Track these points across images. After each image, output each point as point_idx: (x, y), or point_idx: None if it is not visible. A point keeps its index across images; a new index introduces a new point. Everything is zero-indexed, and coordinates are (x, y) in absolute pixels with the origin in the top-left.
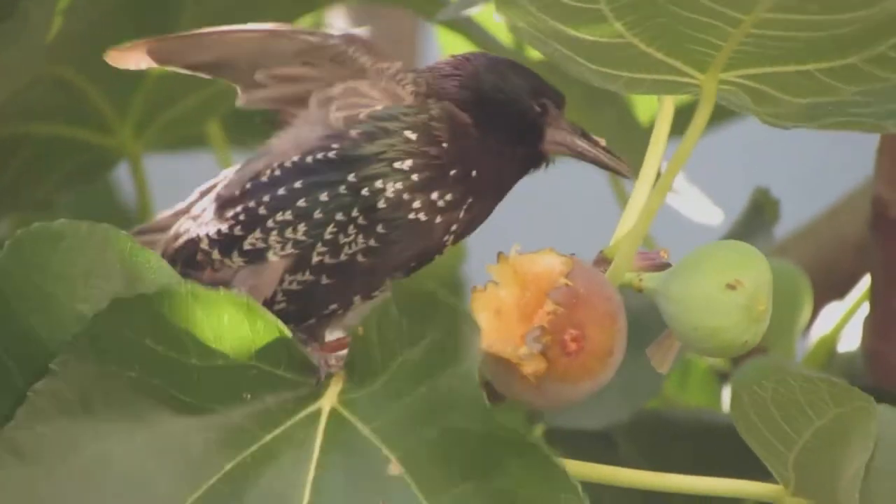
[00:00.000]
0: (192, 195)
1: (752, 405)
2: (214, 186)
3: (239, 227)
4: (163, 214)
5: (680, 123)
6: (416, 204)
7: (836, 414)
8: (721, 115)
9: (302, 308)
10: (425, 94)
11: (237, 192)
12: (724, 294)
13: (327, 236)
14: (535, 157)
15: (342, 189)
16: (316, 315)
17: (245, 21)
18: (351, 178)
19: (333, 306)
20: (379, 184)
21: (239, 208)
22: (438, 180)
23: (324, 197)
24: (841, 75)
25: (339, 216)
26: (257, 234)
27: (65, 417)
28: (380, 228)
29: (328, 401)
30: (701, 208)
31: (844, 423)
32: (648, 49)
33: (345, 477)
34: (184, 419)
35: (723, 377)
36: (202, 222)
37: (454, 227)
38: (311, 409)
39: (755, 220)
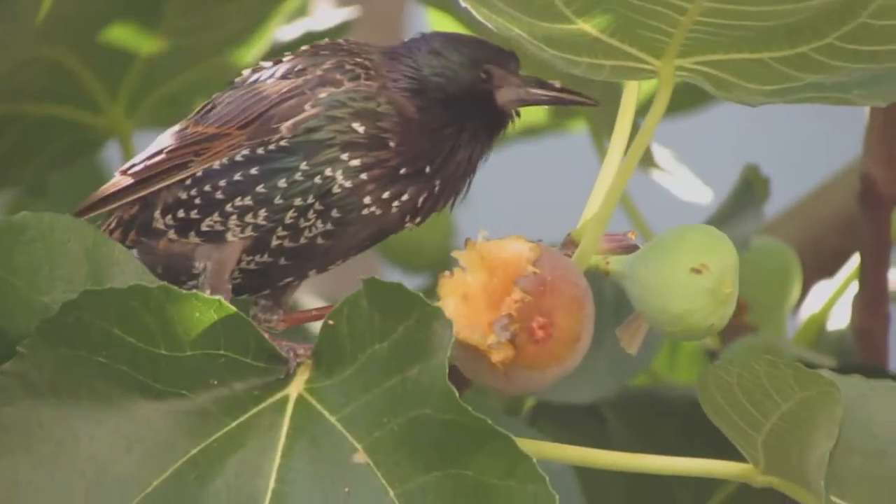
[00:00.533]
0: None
1: (718, 389)
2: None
3: (196, 211)
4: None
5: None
6: (368, 200)
7: (802, 398)
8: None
9: (258, 283)
10: (373, 80)
11: (188, 181)
12: (689, 278)
13: (287, 221)
14: (494, 123)
15: (298, 175)
16: (271, 287)
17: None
18: (304, 165)
19: (289, 279)
20: (329, 171)
21: (194, 191)
22: (390, 180)
23: (282, 183)
24: (794, 64)
25: (298, 201)
26: (215, 216)
27: (32, 398)
28: (335, 213)
29: (295, 388)
30: (691, 187)
31: (810, 407)
32: (602, 36)
33: (310, 464)
34: (150, 403)
35: (712, 355)
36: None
37: (415, 217)
38: (278, 396)
39: (745, 199)
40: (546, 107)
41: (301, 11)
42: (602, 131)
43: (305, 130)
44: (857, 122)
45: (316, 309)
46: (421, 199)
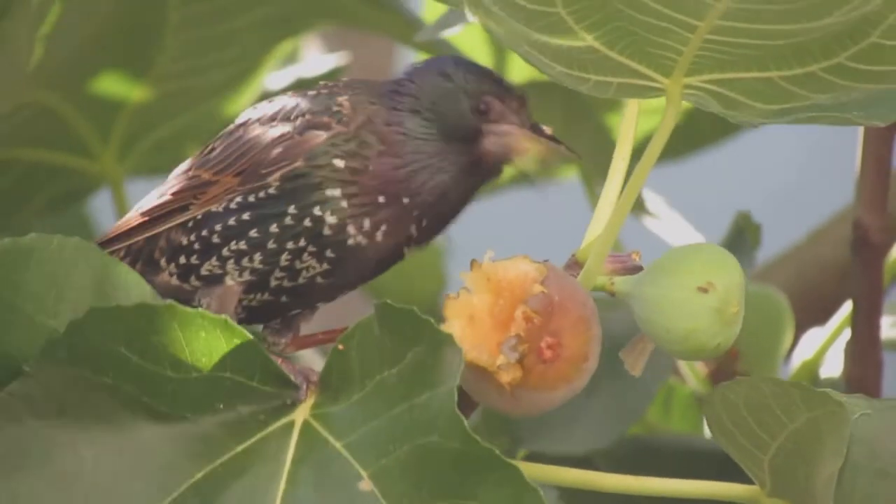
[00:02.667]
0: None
1: (724, 410)
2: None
3: (195, 256)
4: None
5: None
6: (352, 230)
7: (809, 418)
8: (702, 137)
9: (263, 316)
10: (357, 116)
11: (189, 223)
12: (695, 296)
13: (283, 263)
14: (478, 166)
15: (288, 220)
16: (280, 316)
17: (223, 46)
18: (292, 209)
19: (296, 311)
20: (317, 211)
21: (193, 236)
22: (370, 208)
23: (273, 228)
24: (802, 83)
25: (291, 245)
26: (214, 261)
27: (36, 419)
28: (328, 253)
29: (301, 413)
30: (683, 234)
31: (817, 427)
32: (611, 53)
33: (315, 491)
34: (156, 426)
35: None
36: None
37: (408, 244)
38: (284, 421)
39: (736, 245)
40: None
41: (291, 58)
42: (592, 175)
43: (293, 177)
44: (849, 168)
45: (322, 333)
46: (405, 227)
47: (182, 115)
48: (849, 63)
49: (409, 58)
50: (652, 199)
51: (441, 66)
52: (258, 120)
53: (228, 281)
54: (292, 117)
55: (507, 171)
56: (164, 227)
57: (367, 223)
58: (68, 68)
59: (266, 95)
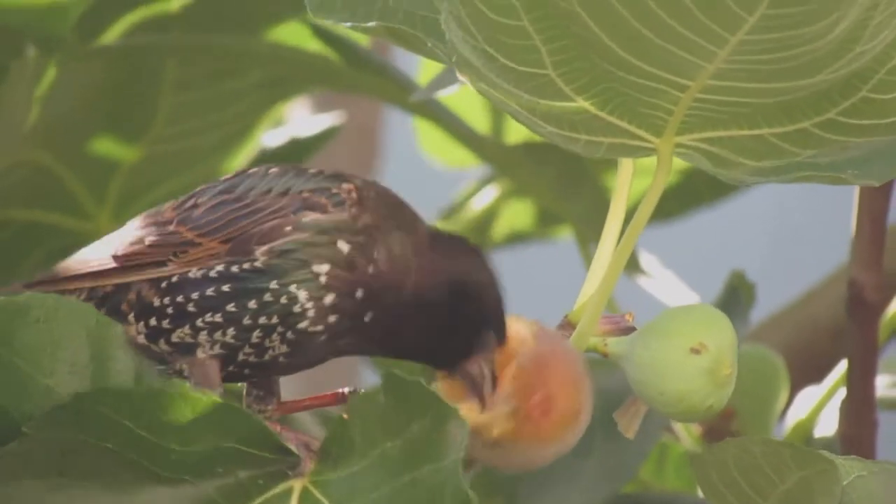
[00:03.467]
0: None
1: (714, 470)
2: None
3: (167, 321)
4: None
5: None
6: (319, 327)
7: (800, 477)
8: (697, 197)
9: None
10: (364, 213)
11: (163, 284)
12: (688, 358)
13: (254, 340)
14: (444, 361)
15: (267, 296)
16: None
17: (217, 108)
18: (273, 284)
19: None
20: (294, 288)
21: (167, 300)
22: (351, 327)
23: (252, 304)
24: (794, 139)
25: (263, 320)
26: (187, 329)
27: (35, 479)
28: (289, 335)
29: (300, 480)
30: (677, 293)
31: (809, 486)
32: (601, 113)
33: None
34: (155, 488)
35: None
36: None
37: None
38: (283, 487)
39: (730, 304)
40: (532, 215)
41: (279, 122)
42: (588, 238)
43: (281, 253)
44: (845, 228)
45: (309, 399)
46: (359, 336)
47: (177, 175)
48: (840, 118)
49: (398, 119)
50: (646, 258)
51: (463, 275)
52: (252, 189)
53: (200, 353)
54: (289, 194)
55: (501, 230)
56: (136, 278)
57: (332, 318)
58: (64, 129)
59: (262, 155)
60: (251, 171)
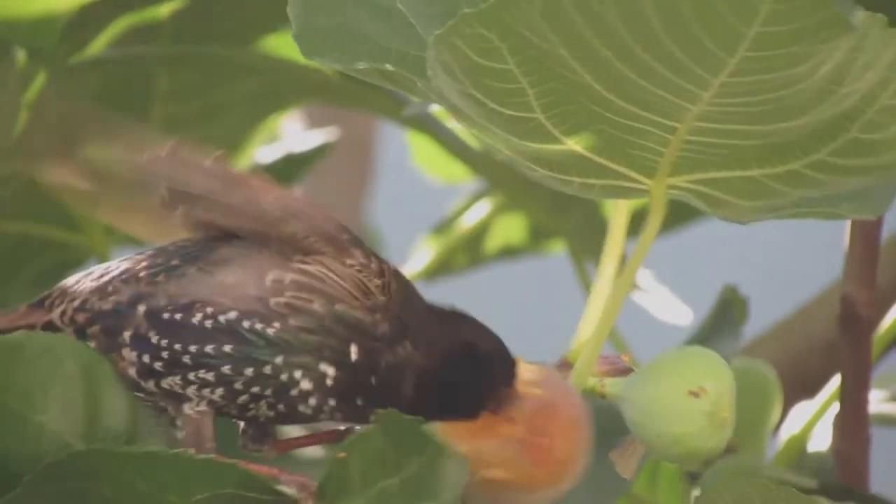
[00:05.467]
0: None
1: None
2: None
3: (160, 364)
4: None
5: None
6: (313, 401)
7: None
8: (690, 214)
9: None
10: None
11: (164, 316)
12: (687, 401)
13: (239, 402)
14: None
15: (267, 369)
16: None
17: (209, 119)
18: (278, 360)
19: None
20: (297, 375)
21: (165, 342)
22: (347, 406)
23: (249, 371)
24: (785, 180)
25: (255, 389)
26: (178, 379)
27: None
28: (280, 407)
29: None
30: (670, 308)
31: None
32: (591, 155)
33: None
34: None
35: (692, 477)
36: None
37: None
38: None
39: (723, 319)
40: (525, 229)
41: (273, 136)
42: (582, 252)
43: (297, 329)
44: (838, 243)
45: (304, 437)
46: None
47: None
48: (830, 159)
49: (392, 133)
50: (639, 273)
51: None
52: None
53: (187, 409)
54: (315, 265)
55: (494, 245)
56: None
57: (331, 402)
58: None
59: (256, 170)
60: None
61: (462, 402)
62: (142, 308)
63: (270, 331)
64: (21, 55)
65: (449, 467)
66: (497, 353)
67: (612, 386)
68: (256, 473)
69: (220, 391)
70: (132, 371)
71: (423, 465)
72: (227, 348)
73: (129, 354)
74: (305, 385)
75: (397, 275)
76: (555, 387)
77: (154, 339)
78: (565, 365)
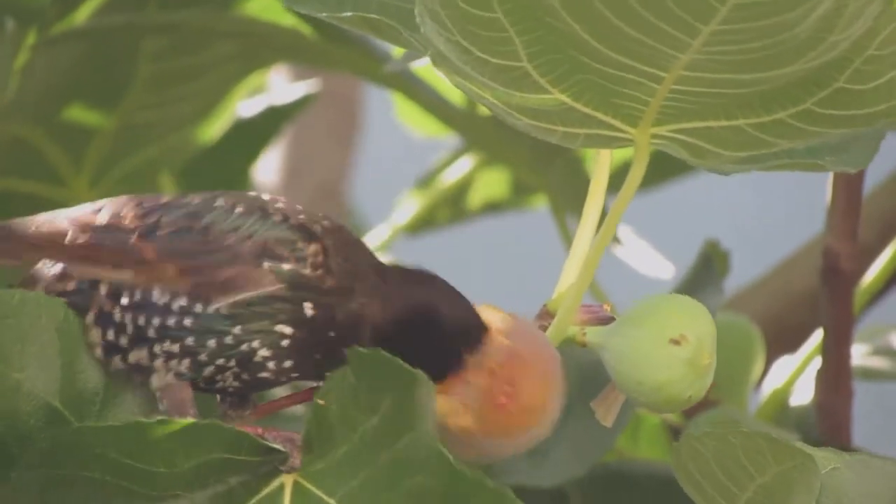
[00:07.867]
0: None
1: (692, 461)
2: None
3: (125, 340)
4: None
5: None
6: (272, 365)
7: (778, 471)
8: (672, 169)
9: None
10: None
11: (125, 299)
12: (667, 349)
13: (206, 374)
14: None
15: (228, 339)
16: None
17: (192, 77)
18: (237, 330)
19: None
20: (256, 343)
21: (128, 318)
22: (301, 363)
23: (211, 343)
24: (771, 130)
25: (220, 361)
26: (143, 352)
27: None
28: (244, 376)
29: (290, 475)
30: (652, 262)
31: (786, 480)
32: (577, 105)
33: None
34: None
35: (675, 431)
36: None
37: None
38: (274, 484)
39: (704, 273)
40: (507, 185)
41: (259, 89)
42: (563, 206)
43: (246, 304)
44: (821, 197)
45: (284, 398)
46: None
47: (154, 143)
48: (816, 108)
49: (377, 92)
50: (621, 228)
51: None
52: (216, 222)
53: (154, 380)
54: (255, 237)
55: (476, 200)
56: (88, 269)
57: (287, 364)
58: (41, 99)
59: (239, 124)
60: (217, 202)
61: (421, 361)
62: (104, 288)
63: (223, 309)
64: (10, 22)
65: (421, 395)
66: (458, 317)
67: (592, 335)
68: (243, 434)
69: (186, 363)
70: (100, 351)
71: (398, 398)
72: (188, 322)
73: (93, 327)
74: (264, 353)
75: (338, 231)
76: (525, 336)
77: (117, 317)
78: (546, 314)
